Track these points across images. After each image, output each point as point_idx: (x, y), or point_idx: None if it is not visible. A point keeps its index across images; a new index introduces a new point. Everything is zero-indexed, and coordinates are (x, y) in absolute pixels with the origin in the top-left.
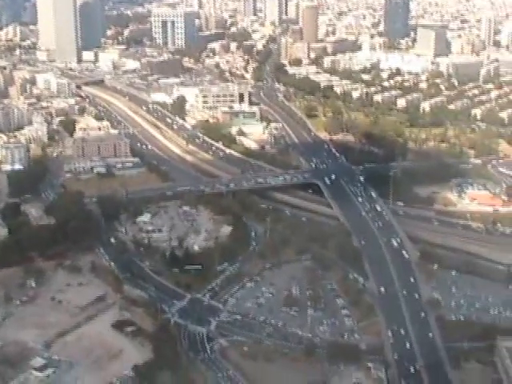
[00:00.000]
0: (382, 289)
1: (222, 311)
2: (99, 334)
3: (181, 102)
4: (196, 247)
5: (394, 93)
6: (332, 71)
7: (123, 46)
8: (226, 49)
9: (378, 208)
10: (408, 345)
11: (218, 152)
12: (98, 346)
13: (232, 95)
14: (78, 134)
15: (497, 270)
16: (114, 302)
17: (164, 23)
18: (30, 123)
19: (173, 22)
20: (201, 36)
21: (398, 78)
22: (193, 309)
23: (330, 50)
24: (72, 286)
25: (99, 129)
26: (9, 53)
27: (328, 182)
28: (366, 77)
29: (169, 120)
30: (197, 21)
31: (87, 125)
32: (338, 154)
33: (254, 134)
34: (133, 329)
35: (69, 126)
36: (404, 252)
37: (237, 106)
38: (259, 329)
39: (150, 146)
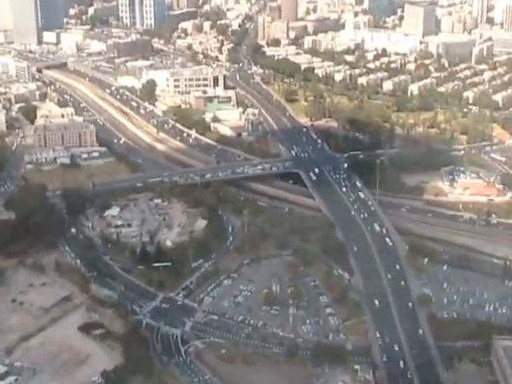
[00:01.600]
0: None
1: (197, 311)
2: (65, 338)
3: (150, 86)
4: (169, 243)
5: (379, 75)
6: (313, 52)
7: (87, 27)
8: (199, 29)
9: (364, 198)
10: (397, 345)
11: (191, 140)
12: (63, 351)
13: (206, 79)
14: (40, 121)
15: (491, 263)
16: (80, 302)
17: (131, 1)
18: None
19: (141, 0)
20: (171, 15)
21: (384, 59)
22: (166, 309)
23: (310, 29)
24: (35, 286)
25: (62, 116)
26: None
27: (310, 171)
28: (349, 58)
29: (138, 106)
30: None
31: (49, 112)
32: (320, 141)
33: (230, 120)
34: (101, 331)
35: (29, 114)
36: (392, 245)
37: (211, 91)
38: (237, 329)
39: (118, 135)
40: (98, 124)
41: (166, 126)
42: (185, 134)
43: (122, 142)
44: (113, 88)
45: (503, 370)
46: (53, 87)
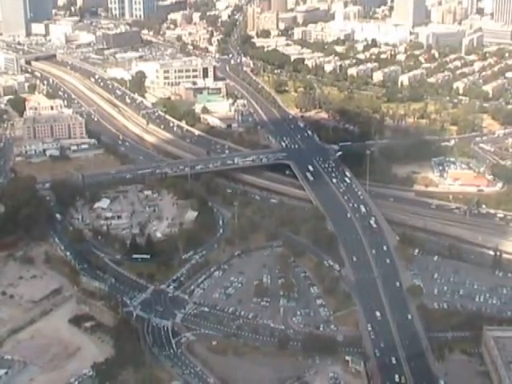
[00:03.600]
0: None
1: (187, 303)
2: (55, 331)
3: (140, 77)
4: (159, 234)
5: (369, 66)
6: (303, 43)
7: (76, 18)
8: (189, 20)
9: (354, 189)
10: (388, 335)
11: (180, 131)
12: (54, 344)
13: (195, 70)
14: (29, 113)
15: (482, 254)
16: (70, 295)
17: None
18: None
19: None
20: (161, 6)
21: (374, 50)
22: (156, 301)
23: (300, 19)
24: (25, 278)
25: (52, 108)
26: None
27: (300, 162)
28: (339, 49)
29: (127, 97)
30: None
31: (38, 103)
32: (310, 132)
33: (220, 111)
34: (92, 324)
35: (18, 105)
36: (382, 236)
37: (201, 82)
38: (228, 321)
39: (107, 126)
40: (87, 116)
41: (155, 117)
42: (174, 126)
43: (106, 127)
44: (102, 79)
45: (493, 361)
46: (42, 79)
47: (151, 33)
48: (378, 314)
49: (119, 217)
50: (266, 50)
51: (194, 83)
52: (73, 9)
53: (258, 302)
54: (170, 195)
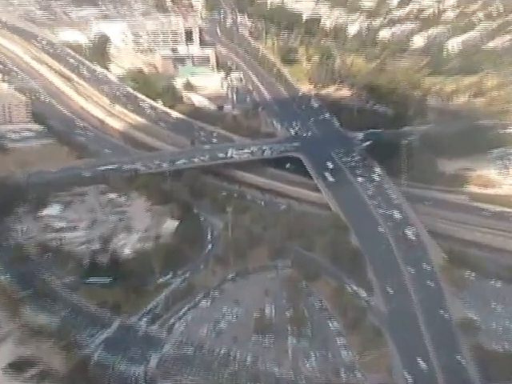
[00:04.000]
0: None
1: (165, 342)
2: None
3: (102, 42)
4: (127, 251)
5: (407, 27)
6: None
7: None
8: None
9: (386, 191)
10: None
11: (156, 114)
12: None
13: (176, 33)
14: None
15: None
16: (7, 332)
17: None
18: None
19: None
20: None
21: (414, 6)
22: (124, 340)
23: None
24: None
25: None
26: None
27: (314, 155)
28: (367, 4)
29: (85, 69)
30: None
31: None
32: (327, 116)
33: (208, 87)
34: (37, 371)
35: None
36: (424, 253)
37: (183, 49)
38: (219, 366)
39: (58, 107)
40: (32, 93)
41: (123, 95)
42: (148, 107)
43: (57, 109)
44: (51, 45)
45: None
46: None
47: None
48: (417, 356)
49: (74, 228)
50: (269, 6)
51: (174, 50)
52: None
53: (259, 340)
54: (143, 199)
